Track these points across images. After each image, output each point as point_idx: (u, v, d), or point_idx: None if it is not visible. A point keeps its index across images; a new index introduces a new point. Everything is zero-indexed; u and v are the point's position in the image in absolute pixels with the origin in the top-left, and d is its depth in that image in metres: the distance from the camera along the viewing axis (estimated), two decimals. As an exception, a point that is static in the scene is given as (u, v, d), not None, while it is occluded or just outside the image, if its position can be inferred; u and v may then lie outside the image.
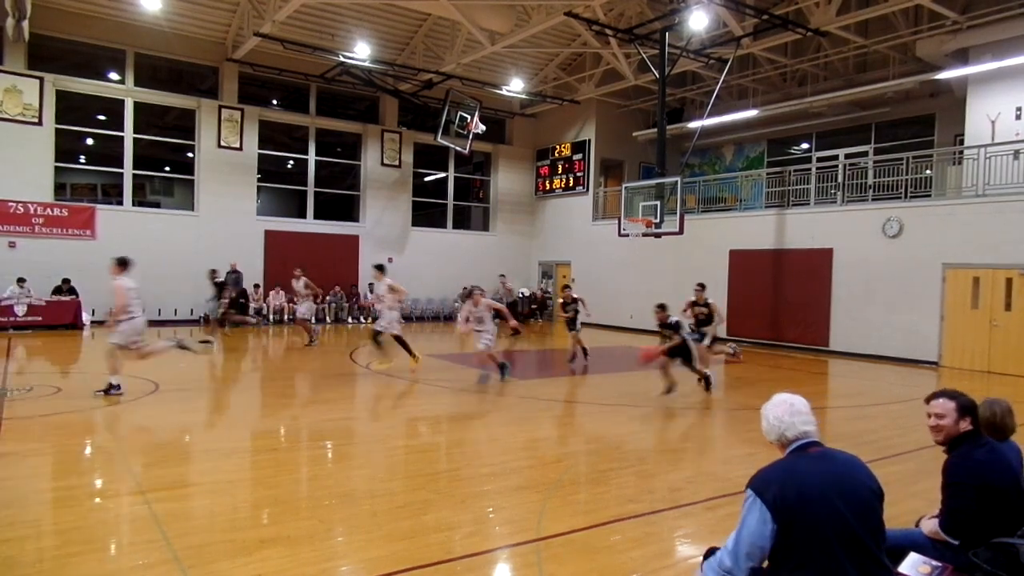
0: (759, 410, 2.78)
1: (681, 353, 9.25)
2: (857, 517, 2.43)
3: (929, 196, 14.71)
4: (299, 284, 14.58)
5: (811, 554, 2.37)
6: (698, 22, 15.50)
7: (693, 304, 11.66)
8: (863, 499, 2.49)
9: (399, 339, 11.16)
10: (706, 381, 9.63)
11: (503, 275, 20.23)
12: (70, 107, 17.14)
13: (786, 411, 2.63)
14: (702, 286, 11.96)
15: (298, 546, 4.05)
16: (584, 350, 13.05)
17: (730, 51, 16.34)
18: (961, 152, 14.64)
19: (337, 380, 10.39)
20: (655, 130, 17.89)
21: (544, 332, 20.08)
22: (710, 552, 2.84)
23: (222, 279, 15.60)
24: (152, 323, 18.02)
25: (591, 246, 21.65)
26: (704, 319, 11.49)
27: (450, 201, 23.24)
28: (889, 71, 16.43)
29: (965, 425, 3.28)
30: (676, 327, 9.27)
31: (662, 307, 9.42)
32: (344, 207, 21.95)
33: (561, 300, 13.46)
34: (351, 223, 21.31)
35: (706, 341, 11.38)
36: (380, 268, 11.94)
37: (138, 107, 17.98)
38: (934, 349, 13.74)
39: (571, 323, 12.99)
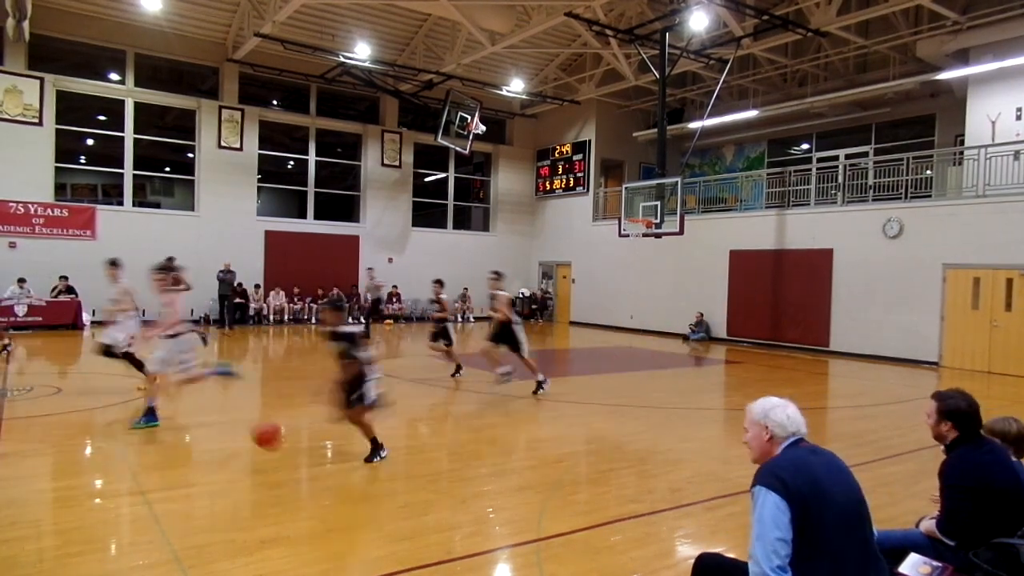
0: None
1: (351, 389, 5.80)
2: (856, 506, 2.51)
3: (929, 196, 14.71)
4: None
5: (822, 543, 2.38)
6: (698, 22, 15.50)
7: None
8: (856, 490, 2.57)
9: (128, 356, 8.65)
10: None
11: (371, 268, 18.85)
12: (70, 107, 17.15)
13: (788, 411, 2.69)
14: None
15: (299, 546, 4.05)
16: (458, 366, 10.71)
17: (730, 51, 16.34)
18: (961, 153, 14.64)
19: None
20: (655, 130, 17.89)
21: (544, 332, 20.08)
22: (701, 559, 2.83)
23: None
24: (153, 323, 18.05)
25: (591, 246, 21.65)
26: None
27: (450, 201, 23.24)
28: (889, 71, 16.42)
29: (946, 429, 3.25)
30: (346, 339, 5.79)
31: (335, 305, 6.08)
32: (344, 207, 21.95)
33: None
34: (351, 223, 21.31)
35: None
36: (113, 264, 8.80)
37: (138, 107, 17.98)
38: (934, 349, 13.74)
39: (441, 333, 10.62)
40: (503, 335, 9.40)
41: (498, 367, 9.36)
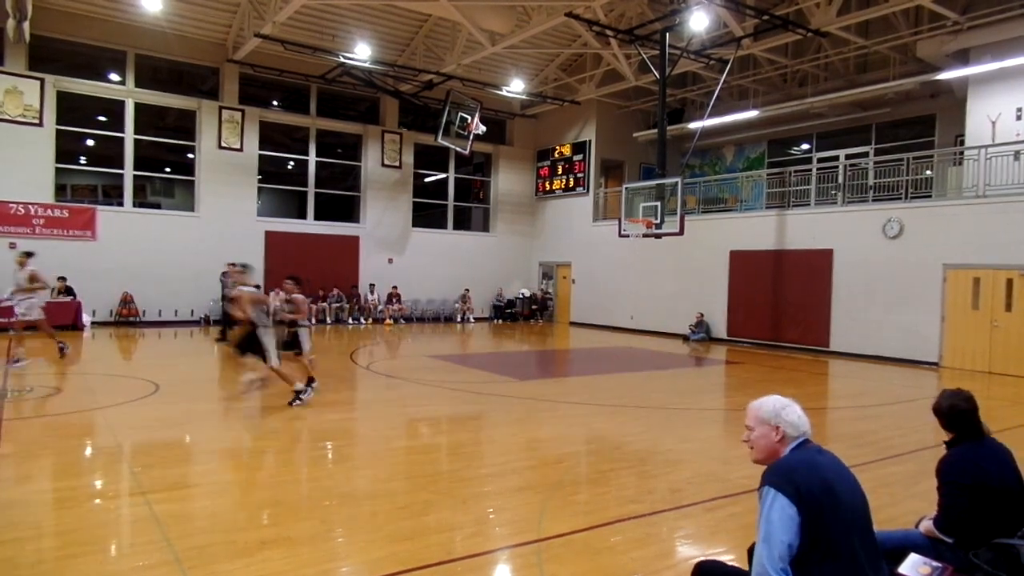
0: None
1: None
2: (864, 506, 2.52)
3: (929, 197, 14.72)
4: (22, 275, 10.86)
5: (836, 544, 2.38)
6: (698, 23, 15.50)
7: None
8: (861, 490, 2.57)
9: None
10: None
11: (232, 264, 17.13)
12: (71, 108, 17.14)
13: (797, 410, 2.68)
14: (295, 280, 9.16)
15: (299, 547, 4.05)
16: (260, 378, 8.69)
17: (730, 52, 16.34)
18: (961, 153, 14.64)
19: (337, 381, 10.38)
20: (655, 131, 17.89)
21: (544, 333, 20.07)
22: (700, 566, 2.83)
23: None
24: (153, 324, 18.03)
25: (591, 247, 21.65)
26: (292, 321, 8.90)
27: (450, 202, 23.24)
28: (890, 72, 16.43)
29: (939, 424, 3.36)
30: None
31: None
32: (344, 208, 21.96)
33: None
34: (351, 224, 21.31)
35: (305, 346, 8.71)
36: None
37: (139, 108, 17.98)
38: (935, 350, 13.74)
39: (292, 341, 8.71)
40: (249, 342, 8.10)
41: (247, 378, 8.27)
